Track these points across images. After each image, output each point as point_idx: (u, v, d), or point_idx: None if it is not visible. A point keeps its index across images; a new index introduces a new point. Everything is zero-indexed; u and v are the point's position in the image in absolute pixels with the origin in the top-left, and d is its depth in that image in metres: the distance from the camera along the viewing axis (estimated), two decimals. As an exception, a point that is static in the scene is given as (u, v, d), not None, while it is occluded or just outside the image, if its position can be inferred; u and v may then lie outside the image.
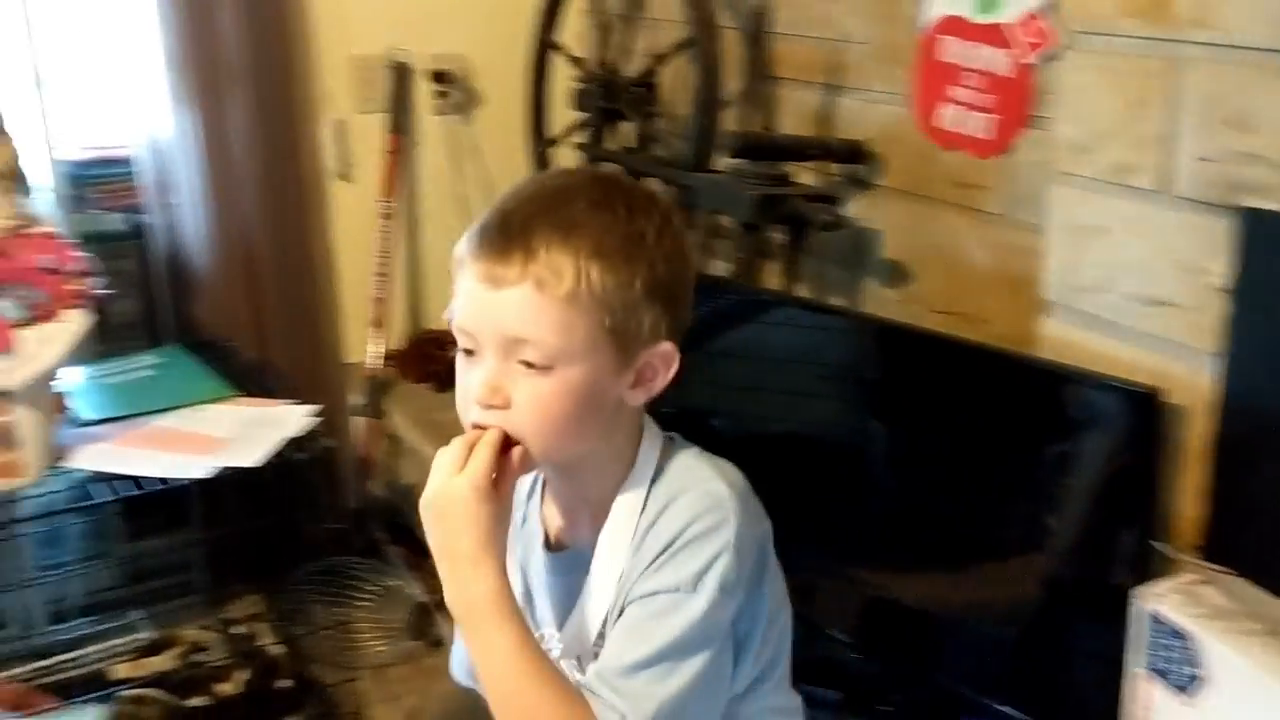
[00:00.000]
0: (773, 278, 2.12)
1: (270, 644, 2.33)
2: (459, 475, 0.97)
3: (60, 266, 1.84)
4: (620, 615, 1.03)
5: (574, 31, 2.53)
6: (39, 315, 1.82)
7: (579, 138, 2.40)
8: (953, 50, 1.75)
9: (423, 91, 2.63)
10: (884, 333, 1.69)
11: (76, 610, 2.40)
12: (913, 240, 1.95)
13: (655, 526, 1.03)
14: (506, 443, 0.99)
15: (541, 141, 2.45)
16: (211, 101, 2.40)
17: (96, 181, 2.55)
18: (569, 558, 1.12)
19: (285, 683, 2.25)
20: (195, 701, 2.18)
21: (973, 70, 1.72)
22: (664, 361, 1.02)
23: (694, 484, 1.04)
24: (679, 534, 1.00)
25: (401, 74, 2.56)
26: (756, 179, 1.85)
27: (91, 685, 2.20)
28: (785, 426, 1.79)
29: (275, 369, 2.41)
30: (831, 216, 1.77)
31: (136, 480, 1.92)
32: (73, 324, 1.86)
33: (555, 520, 1.14)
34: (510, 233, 0.96)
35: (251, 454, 2.00)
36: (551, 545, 1.14)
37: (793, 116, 2.12)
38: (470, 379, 1.00)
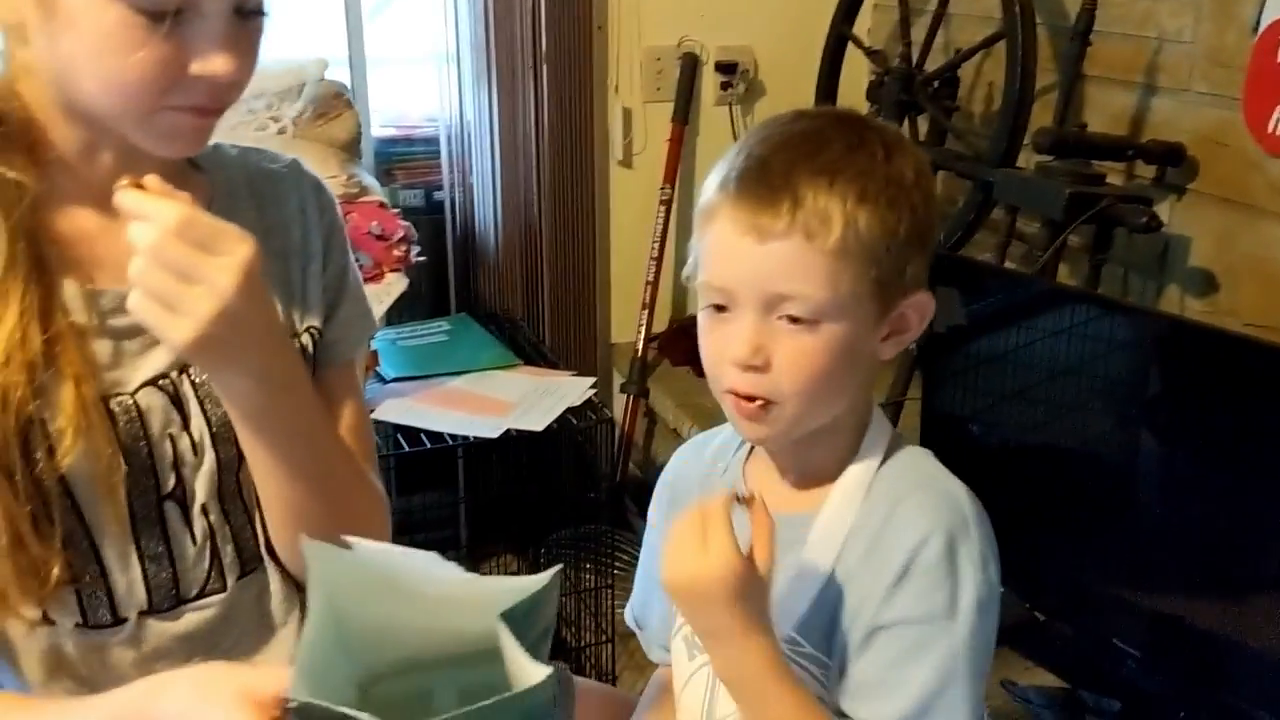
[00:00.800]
0: (1068, 281, 2.07)
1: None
2: (707, 556, 0.86)
3: (386, 233, 1.97)
4: (858, 633, 0.94)
5: (862, 26, 2.54)
6: (366, 277, 1.95)
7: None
8: (1294, 52, 1.68)
9: (708, 82, 2.68)
10: (1193, 337, 1.63)
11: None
12: (1227, 249, 1.88)
13: (891, 527, 0.94)
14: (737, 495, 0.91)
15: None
16: (510, 86, 2.51)
17: (401, 158, 2.70)
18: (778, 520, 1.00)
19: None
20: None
21: (1315, 73, 1.65)
22: (918, 311, 0.95)
23: (928, 481, 0.97)
24: (921, 544, 0.91)
25: (690, 64, 2.61)
26: (1067, 176, 1.81)
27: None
28: (1076, 433, 1.75)
29: (550, 343, 2.51)
30: (1148, 219, 1.72)
31: (418, 434, 2.03)
32: (393, 286, 1.99)
33: (761, 478, 1.04)
34: (773, 181, 0.89)
35: (537, 419, 2.09)
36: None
37: (1101, 115, 2.07)
38: (725, 338, 0.92)
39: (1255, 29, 1.74)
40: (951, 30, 2.42)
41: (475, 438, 2.04)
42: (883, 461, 0.98)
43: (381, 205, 2.00)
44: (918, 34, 2.24)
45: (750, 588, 0.87)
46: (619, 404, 2.71)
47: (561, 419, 2.11)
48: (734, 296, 0.91)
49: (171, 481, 0.97)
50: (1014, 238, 2.00)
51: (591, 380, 2.25)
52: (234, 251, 0.85)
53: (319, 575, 0.74)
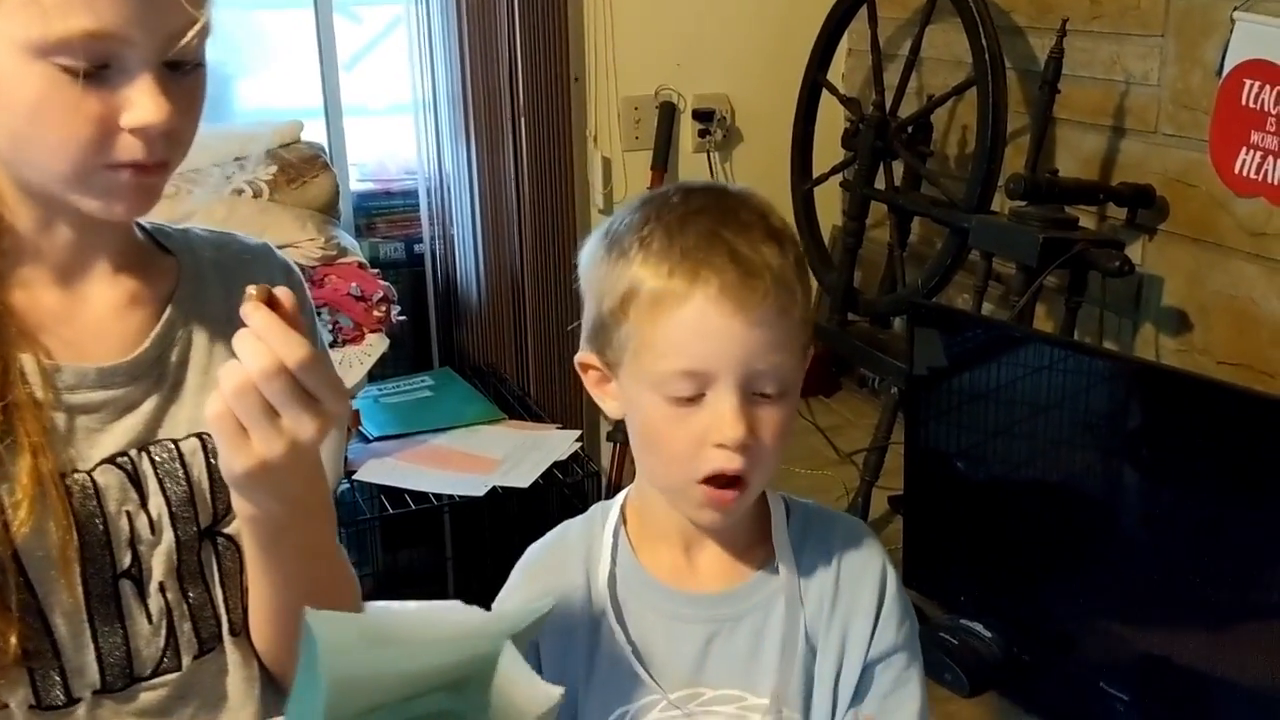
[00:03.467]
0: (1045, 323, 2.09)
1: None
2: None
3: (366, 294, 1.97)
4: (846, 679, 0.97)
5: (836, 71, 2.57)
6: (346, 339, 1.96)
7: (843, 177, 2.42)
8: (1257, 95, 1.70)
9: (686, 129, 2.70)
10: (1167, 381, 1.64)
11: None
12: (1198, 288, 1.89)
13: (846, 573, 0.98)
14: None
15: (806, 179, 2.48)
16: (489, 137, 2.52)
17: (381, 211, 2.71)
18: (722, 600, 0.98)
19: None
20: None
21: (1277, 116, 1.67)
22: None
23: (827, 514, 1.03)
24: (883, 576, 0.99)
25: (668, 113, 2.63)
26: (1040, 222, 1.83)
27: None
28: (1058, 472, 1.76)
29: (535, 394, 2.51)
30: (1120, 262, 1.74)
31: (404, 495, 2.03)
32: (373, 347, 1.99)
33: (668, 557, 0.99)
34: (740, 254, 0.87)
35: (523, 475, 2.10)
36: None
37: (1072, 158, 2.09)
38: (704, 423, 0.88)
39: (1219, 72, 1.76)
40: (924, 76, 2.44)
41: (461, 496, 2.04)
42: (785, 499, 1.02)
43: (361, 265, 2.01)
44: (891, 79, 2.26)
45: None
46: (606, 452, 2.71)
47: (548, 473, 2.11)
48: (712, 379, 0.87)
49: (128, 559, 0.96)
50: (991, 279, 2.01)
51: (577, 434, 2.26)
52: (331, 406, 0.83)
53: (323, 644, 0.74)
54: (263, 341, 0.80)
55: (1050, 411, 1.72)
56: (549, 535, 1.05)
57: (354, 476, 2.09)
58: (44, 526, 0.90)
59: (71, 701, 0.96)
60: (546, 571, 1.01)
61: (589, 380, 0.97)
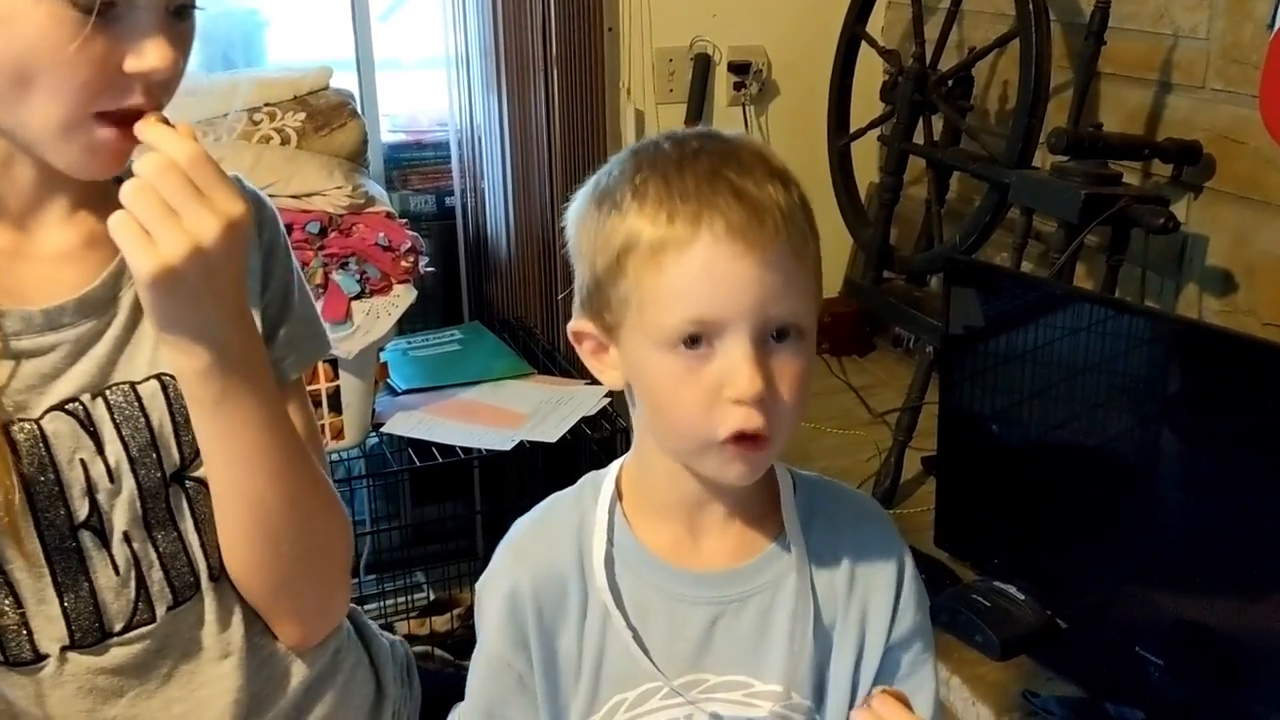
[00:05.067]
0: (1085, 283, 2.04)
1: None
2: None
3: (394, 244, 1.95)
4: (868, 664, 0.93)
5: (876, 24, 2.51)
6: (373, 289, 1.94)
7: (881, 132, 2.38)
8: (1312, 47, 1.64)
9: (721, 83, 2.65)
10: (1210, 341, 1.60)
11: (364, 568, 2.54)
12: (1244, 248, 1.84)
13: (862, 554, 0.93)
14: None
15: (843, 134, 2.43)
16: (520, 89, 2.49)
17: (412, 163, 2.69)
18: (727, 578, 0.92)
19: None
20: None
21: (1334, 69, 1.61)
22: None
23: (837, 489, 0.98)
24: (900, 556, 0.94)
25: (703, 65, 2.59)
26: (1082, 177, 1.78)
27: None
28: (1096, 435, 1.72)
29: (563, 350, 2.49)
30: (1164, 219, 1.69)
31: (432, 448, 2.02)
32: (400, 298, 1.97)
33: (669, 534, 0.93)
34: (747, 193, 0.80)
35: (551, 430, 2.08)
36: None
37: (1116, 113, 2.04)
38: (714, 376, 0.81)
39: (1271, 25, 1.70)
40: (965, 28, 2.39)
41: (488, 450, 2.03)
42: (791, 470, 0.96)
43: (389, 215, 1.99)
44: (931, 32, 2.21)
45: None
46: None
47: (576, 429, 2.09)
48: (724, 327, 0.80)
49: (85, 509, 0.94)
50: (1031, 237, 1.97)
51: (606, 389, 2.24)
52: (227, 204, 0.86)
53: None
54: (157, 148, 0.85)
55: (1089, 373, 1.68)
56: (535, 511, 0.98)
57: (382, 429, 2.08)
58: None
59: (39, 657, 0.94)
60: (536, 550, 0.94)
61: (585, 351, 0.91)
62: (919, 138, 2.25)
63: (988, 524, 1.83)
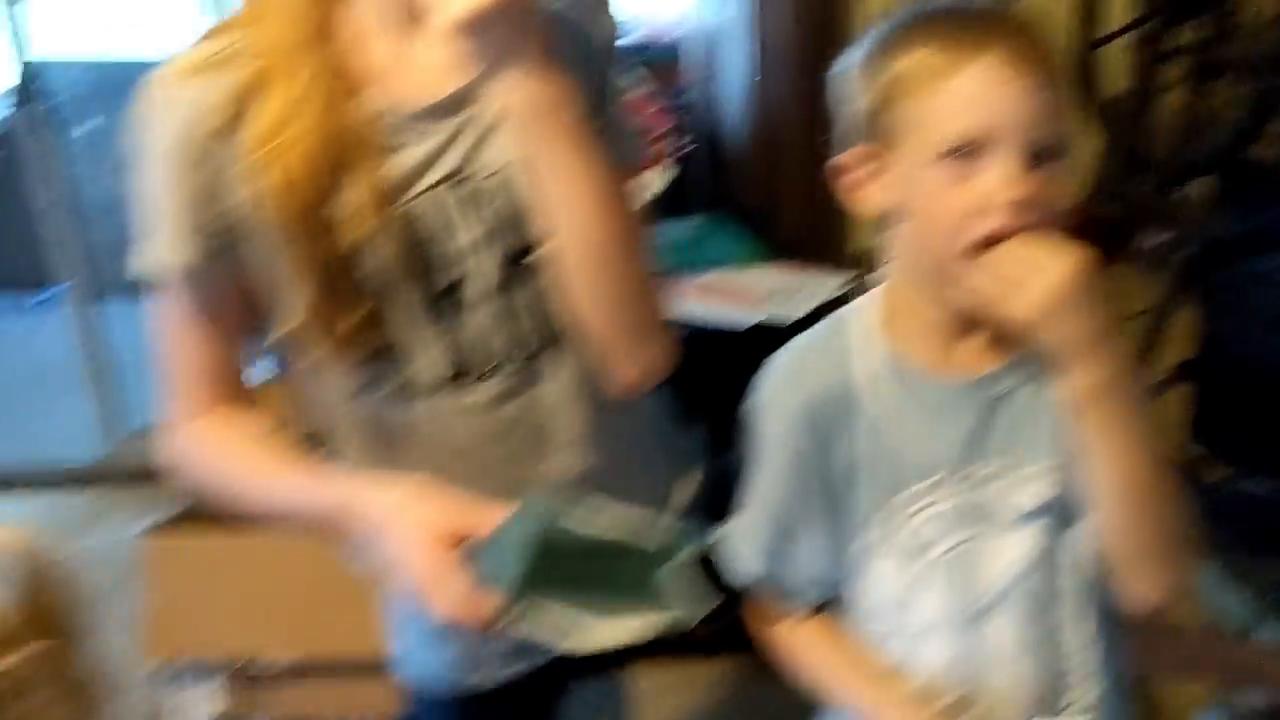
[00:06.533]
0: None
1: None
2: (1060, 256, 0.88)
3: (653, 127, 2.03)
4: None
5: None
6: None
7: (1138, 33, 2.31)
8: None
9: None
10: None
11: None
12: None
13: None
14: None
15: (1093, 39, 2.38)
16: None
17: (649, 60, 2.75)
18: (988, 381, 0.99)
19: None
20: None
21: None
22: None
23: None
24: None
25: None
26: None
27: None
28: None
29: (808, 238, 2.52)
30: None
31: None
32: (657, 180, 2.05)
33: (927, 350, 1.00)
34: (1014, 26, 0.92)
35: (792, 309, 2.14)
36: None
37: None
38: (983, 186, 0.89)
39: None
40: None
41: (727, 327, 2.09)
42: None
43: (648, 99, 2.05)
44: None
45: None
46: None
47: (817, 313, 2.13)
48: (992, 144, 0.89)
49: (453, 275, 1.05)
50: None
51: (848, 275, 2.27)
52: None
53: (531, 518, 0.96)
54: None
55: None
56: (793, 343, 1.06)
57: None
58: (377, 246, 1.02)
59: (420, 392, 1.08)
60: (809, 370, 1.03)
61: (848, 183, 0.98)
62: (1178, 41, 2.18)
63: (1242, 426, 1.81)
